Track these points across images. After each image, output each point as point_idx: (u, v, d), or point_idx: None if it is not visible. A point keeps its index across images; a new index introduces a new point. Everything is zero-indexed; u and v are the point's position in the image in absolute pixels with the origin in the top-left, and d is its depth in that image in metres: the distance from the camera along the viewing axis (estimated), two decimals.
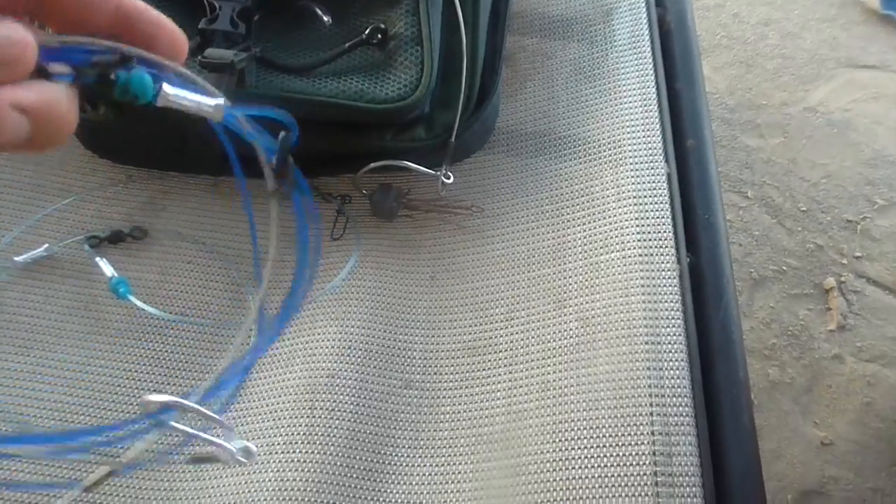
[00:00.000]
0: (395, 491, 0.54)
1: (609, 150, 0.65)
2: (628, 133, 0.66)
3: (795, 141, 1.48)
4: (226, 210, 0.67)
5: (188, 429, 0.36)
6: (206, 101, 0.31)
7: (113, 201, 0.67)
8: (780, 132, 1.50)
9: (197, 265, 0.64)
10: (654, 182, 0.62)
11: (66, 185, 0.67)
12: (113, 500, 0.53)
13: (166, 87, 0.30)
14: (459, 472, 0.54)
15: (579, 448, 0.51)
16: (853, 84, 1.53)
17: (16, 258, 0.62)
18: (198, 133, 0.62)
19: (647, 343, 0.54)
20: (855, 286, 1.33)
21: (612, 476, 0.50)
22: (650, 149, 0.64)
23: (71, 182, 0.68)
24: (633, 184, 0.62)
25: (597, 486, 0.50)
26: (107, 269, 0.60)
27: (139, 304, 0.59)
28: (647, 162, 0.63)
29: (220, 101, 0.31)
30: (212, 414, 0.44)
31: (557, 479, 0.51)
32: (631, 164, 0.63)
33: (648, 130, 0.65)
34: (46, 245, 0.62)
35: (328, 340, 0.59)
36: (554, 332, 0.58)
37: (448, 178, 0.64)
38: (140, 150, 0.67)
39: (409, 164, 0.63)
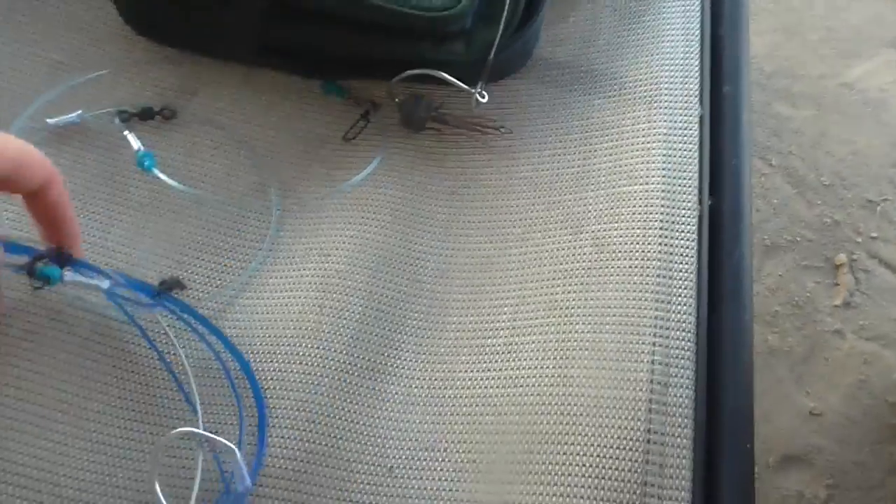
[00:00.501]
0: (393, 391, 0.55)
1: (645, 87, 0.65)
2: (667, 73, 0.65)
3: (827, 115, 1.47)
4: (257, 102, 0.67)
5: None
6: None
7: (146, 79, 0.67)
8: (814, 104, 1.48)
9: (223, 151, 0.65)
10: (686, 122, 0.62)
11: (102, 59, 0.68)
12: None
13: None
14: (458, 379, 0.55)
15: (579, 367, 0.52)
16: (894, 65, 1.51)
17: (48, 120, 0.62)
18: (236, 17, 0.63)
19: (658, 276, 0.55)
20: (866, 265, 1.33)
21: (608, 398, 0.51)
22: (687, 90, 0.64)
23: (106, 55, 0.68)
24: (665, 121, 0.62)
25: (592, 405, 0.51)
26: (134, 142, 0.61)
27: (163, 177, 0.60)
28: (681, 102, 0.63)
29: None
30: (225, 441, 0.47)
31: (554, 393, 0.52)
32: (666, 102, 0.63)
33: (687, 72, 0.65)
34: (79, 112, 0.63)
35: (344, 242, 0.60)
36: (567, 255, 0.58)
37: (483, 96, 0.64)
38: (177, 28, 0.67)
39: (446, 76, 0.63)
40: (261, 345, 0.56)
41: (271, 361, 0.55)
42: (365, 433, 0.53)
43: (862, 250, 1.34)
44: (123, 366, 0.54)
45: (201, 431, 0.49)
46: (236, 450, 0.47)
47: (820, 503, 1.14)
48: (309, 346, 0.55)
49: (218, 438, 0.48)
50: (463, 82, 0.63)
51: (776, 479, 1.15)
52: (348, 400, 0.54)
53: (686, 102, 0.63)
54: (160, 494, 0.47)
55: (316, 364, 0.54)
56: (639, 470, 0.48)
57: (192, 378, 0.53)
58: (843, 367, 1.24)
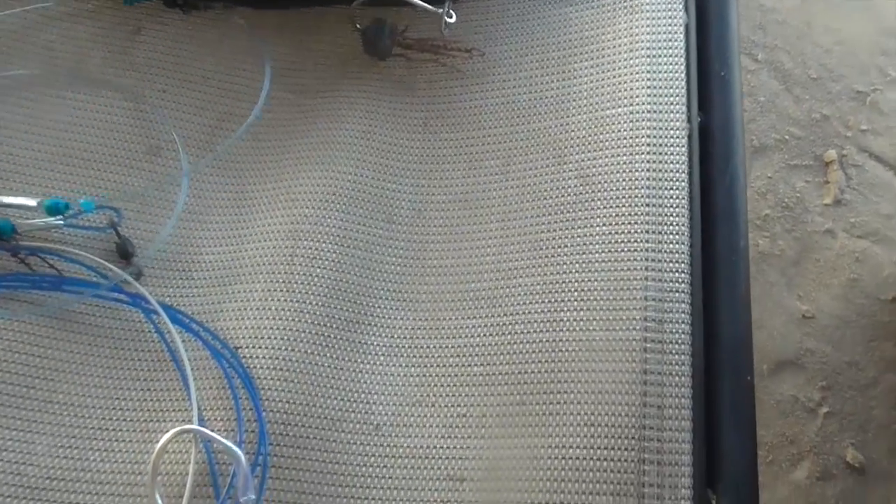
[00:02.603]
0: (375, 343, 0.53)
1: None
2: None
3: (813, 4, 1.41)
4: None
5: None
6: None
7: None
8: None
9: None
10: (670, 33, 0.57)
11: None
12: None
13: None
14: (442, 328, 0.53)
15: (568, 310, 0.50)
16: None
17: None
18: None
19: (648, 205, 0.52)
20: (856, 160, 1.29)
21: (600, 340, 0.48)
22: None
23: None
24: (647, 34, 0.57)
25: (584, 349, 0.48)
26: None
27: None
28: (665, 10, 0.58)
29: None
30: (227, 442, 0.43)
31: (544, 339, 0.49)
32: (648, 11, 0.58)
33: None
34: None
35: (312, 185, 0.56)
36: (551, 189, 0.55)
37: (450, 16, 0.59)
38: None
39: None
40: (230, 301, 0.53)
41: (242, 318, 0.52)
42: (348, 389, 0.51)
43: (852, 145, 1.30)
44: (117, 354, 0.52)
45: (205, 430, 0.46)
46: (241, 454, 0.44)
47: (814, 405, 1.15)
48: (282, 299, 0.52)
49: (221, 439, 0.45)
50: (428, 2, 0.58)
51: (770, 386, 1.15)
52: (327, 354, 0.51)
53: (669, 9, 0.59)
54: (158, 500, 0.44)
55: (290, 318, 0.52)
56: (636, 414, 0.46)
57: (190, 373, 0.50)
58: (835, 268, 1.22)
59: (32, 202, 0.54)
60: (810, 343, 1.19)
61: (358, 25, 0.61)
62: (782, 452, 1.14)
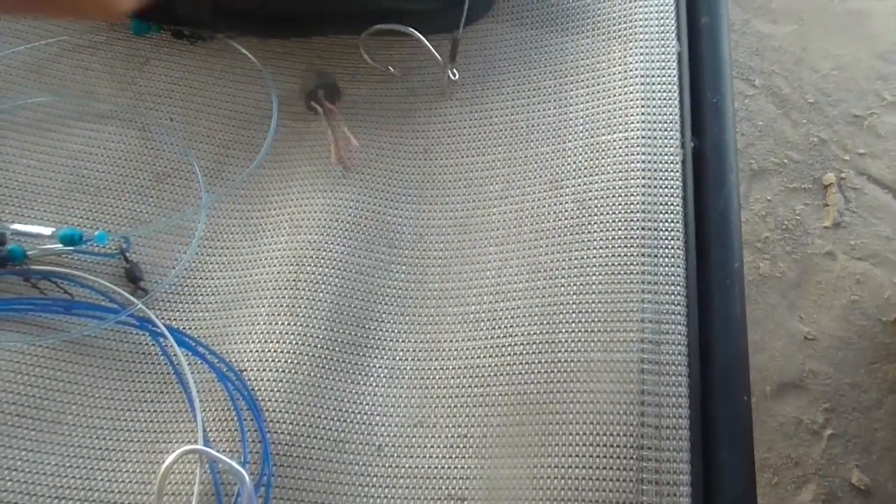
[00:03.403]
0: (378, 365, 0.53)
1: (619, 24, 0.61)
2: (640, 7, 0.62)
3: (810, 29, 1.43)
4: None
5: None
6: None
7: None
8: (795, 19, 1.44)
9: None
10: (663, 61, 0.59)
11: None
12: None
13: None
14: (443, 350, 0.53)
15: (566, 332, 0.51)
16: None
17: None
18: None
19: (643, 229, 0.53)
20: (855, 183, 1.31)
21: (598, 361, 0.49)
22: (662, 25, 0.60)
23: None
24: (641, 62, 0.59)
25: (581, 370, 0.49)
26: None
27: None
28: (658, 39, 0.60)
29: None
30: (232, 463, 0.44)
31: (542, 360, 0.50)
32: (642, 40, 0.60)
33: (662, 5, 0.61)
34: None
35: (315, 211, 0.57)
36: (548, 213, 0.56)
37: (454, 74, 0.61)
38: None
39: (416, 33, 0.59)
40: (236, 325, 0.54)
41: (248, 342, 0.53)
42: (351, 411, 0.52)
43: (850, 168, 1.32)
44: (125, 377, 0.53)
45: (210, 450, 0.47)
46: (245, 474, 0.45)
47: (818, 427, 1.15)
48: (286, 322, 0.53)
49: (226, 459, 0.46)
50: (431, 31, 0.60)
51: (773, 408, 1.15)
52: (331, 377, 0.52)
53: (662, 38, 0.60)
54: None
55: (295, 341, 0.52)
56: (634, 434, 0.47)
57: (196, 395, 0.51)
58: (835, 289, 1.23)
59: (47, 231, 0.55)
60: (812, 365, 1.20)
61: (367, 57, 0.62)
62: (787, 475, 1.14)
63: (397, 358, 0.54)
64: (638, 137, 0.55)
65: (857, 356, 1.19)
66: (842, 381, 1.17)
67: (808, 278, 1.25)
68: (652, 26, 0.60)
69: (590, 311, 0.51)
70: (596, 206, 0.54)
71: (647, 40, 0.60)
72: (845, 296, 1.23)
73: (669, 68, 0.58)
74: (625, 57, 0.59)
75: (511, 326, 0.52)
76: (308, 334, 0.53)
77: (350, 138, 0.59)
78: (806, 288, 1.24)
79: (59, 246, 0.54)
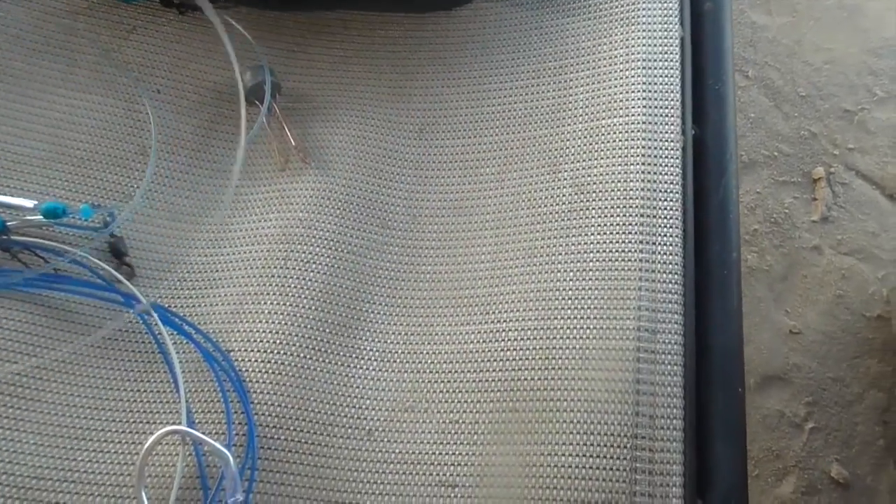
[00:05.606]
0: (368, 348, 0.52)
1: (622, 7, 0.60)
2: None
3: (803, 22, 1.42)
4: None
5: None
6: None
7: None
8: (790, 11, 1.43)
9: None
10: (666, 45, 0.58)
11: None
12: None
13: None
14: (436, 333, 0.52)
15: (562, 318, 0.50)
16: None
17: None
18: None
19: (641, 216, 0.52)
20: (843, 178, 1.30)
21: (594, 349, 0.48)
22: (665, 10, 0.59)
23: None
24: (643, 46, 0.58)
25: (577, 357, 0.48)
26: None
27: None
28: (660, 23, 0.59)
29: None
30: (216, 444, 0.43)
31: (537, 347, 0.49)
32: (644, 24, 0.59)
33: None
34: None
35: (306, 189, 0.56)
36: (546, 197, 0.55)
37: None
38: None
39: None
40: (224, 304, 0.53)
41: (235, 322, 0.52)
42: (340, 393, 0.50)
43: (839, 163, 1.31)
44: (107, 354, 0.51)
45: (192, 431, 0.46)
46: (229, 455, 0.44)
47: (800, 421, 1.15)
48: (275, 302, 0.52)
49: (210, 440, 0.45)
50: (425, 8, 0.59)
51: (757, 400, 1.15)
52: (320, 359, 0.51)
53: (665, 23, 0.59)
54: (145, 500, 0.44)
55: (283, 322, 0.51)
56: (628, 423, 0.46)
57: (180, 374, 0.49)
58: (821, 284, 1.23)
59: (29, 204, 0.53)
60: (796, 358, 1.20)
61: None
62: (768, 467, 1.14)
63: (388, 341, 0.53)
64: (638, 122, 0.54)
65: (840, 351, 1.19)
66: (825, 374, 1.17)
67: (794, 272, 1.24)
68: (655, 10, 0.59)
69: (586, 297, 0.50)
70: (594, 191, 0.53)
71: (649, 24, 0.59)
72: (831, 290, 1.23)
73: (672, 52, 0.57)
74: (627, 40, 0.58)
75: (505, 311, 0.51)
76: (297, 314, 0.51)
77: (289, 138, 0.57)
78: (792, 282, 1.24)
79: (41, 218, 0.52)
